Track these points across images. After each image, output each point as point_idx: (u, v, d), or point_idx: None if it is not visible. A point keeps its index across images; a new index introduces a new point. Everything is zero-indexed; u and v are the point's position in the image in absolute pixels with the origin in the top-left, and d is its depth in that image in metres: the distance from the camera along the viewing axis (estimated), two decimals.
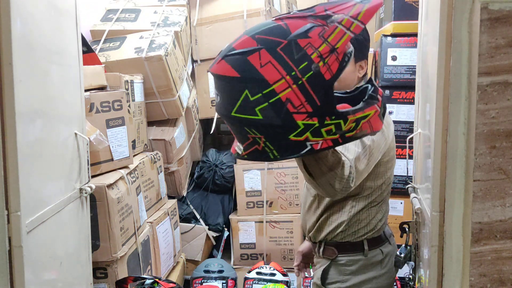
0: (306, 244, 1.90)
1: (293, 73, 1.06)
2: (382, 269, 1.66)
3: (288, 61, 1.06)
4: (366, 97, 1.19)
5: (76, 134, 1.75)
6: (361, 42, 1.63)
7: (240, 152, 1.19)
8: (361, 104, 1.16)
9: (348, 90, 1.57)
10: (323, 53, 1.07)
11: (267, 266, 3.03)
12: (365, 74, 1.69)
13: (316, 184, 1.26)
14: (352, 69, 1.63)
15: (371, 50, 3.01)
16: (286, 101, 1.08)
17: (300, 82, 1.07)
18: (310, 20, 1.09)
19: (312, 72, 1.07)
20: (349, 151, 1.37)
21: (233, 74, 1.09)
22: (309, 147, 1.14)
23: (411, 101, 2.75)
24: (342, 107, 1.15)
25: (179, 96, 2.98)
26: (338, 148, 1.28)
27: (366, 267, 1.65)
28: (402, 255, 1.60)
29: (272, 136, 1.12)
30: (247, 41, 1.09)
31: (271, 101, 1.08)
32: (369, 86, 1.22)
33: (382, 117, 1.21)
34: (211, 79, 3.33)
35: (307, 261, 1.93)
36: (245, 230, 3.26)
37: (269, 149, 1.14)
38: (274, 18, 1.12)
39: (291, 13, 1.13)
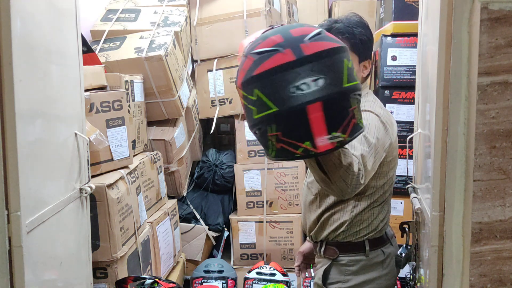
0: (307, 245, 1.90)
1: None
2: (383, 270, 1.66)
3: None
4: None
5: (76, 134, 1.75)
6: (365, 43, 1.63)
7: (341, 139, 1.11)
8: None
9: None
10: None
11: (267, 266, 3.03)
12: (369, 74, 1.69)
13: (329, 181, 1.25)
14: (356, 69, 1.63)
15: None
16: None
17: None
18: None
19: None
20: (355, 149, 1.36)
21: (337, 45, 1.11)
22: None
23: (411, 101, 2.75)
24: None
25: (179, 96, 2.98)
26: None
27: (367, 267, 1.65)
28: (403, 255, 1.60)
29: (358, 105, 1.16)
30: (307, 28, 1.14)
31: (351, 66, 1.14)
32: None
33: None
34: (211, 79, 3.33)
35: (308, 261, 1.93)
36: (245, 230, 3.26)
37: (358, 119, 1.15)
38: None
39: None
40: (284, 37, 1.09)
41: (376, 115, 1.53)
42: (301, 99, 1.05)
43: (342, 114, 1.10)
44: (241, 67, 1.12)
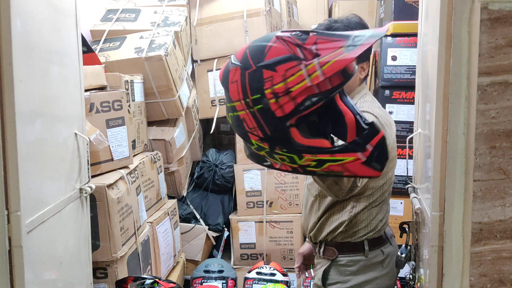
0: (307, 246, 1.90)
1: (247, 99, 1.11)
2: (383, 270, 1.66)
3: (247, 87, 1.11)
4: (347, 143, 1.13)
5: (76, 134, 1.75)
6: None
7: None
8: (330, 149, 1.12)
9: (347, 92, 1.56)
10: (278, 91, 1.08)
11: (267, 266, 3.03)
12: (367, 75, 1.69)
13: (321, 184, 1.27)
14: None
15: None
16: (243, 119, 1.15)
17: (251, 109, 1.12)
18: (298, 50, 1.08)
19: (261, 105, 1.10)
20: None
21: (220, 77, 1.19)
22: (269, 163, 1.20)
23: (411, 101, 2.75)
24: (320, 143, 1.12)
25: (179, 96, 2.98)
26: None
27: (366, 267, 1.64)
28: (403, 255, 1.60)
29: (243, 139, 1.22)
30: (240, 52, 1.15)
31: (234, 114, 1.16)
32: (367, 131, 1.14)
33: (373, 165, 1.13)
34: (211, 79, 3.33)
35: (307, 262, 1.92)
36: (245, 230, 3.26)
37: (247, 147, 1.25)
38: (279, 32, 1.13)
39: (294, 32, 1.11)
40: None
41: (374, 117, 1.53)
42: None
43: None
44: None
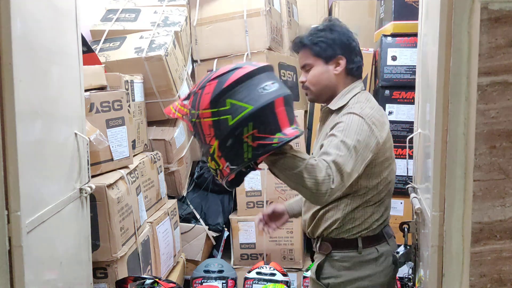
0: (282, 207, 1.90)
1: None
2: (377, 267, 1.67)
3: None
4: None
5: (76, 134, 1.75)
6: (326, 43, 1.65)
7: (300, 132, 1.41)
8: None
9: (330, 91, 1.67)
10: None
11: (267, 266, 3.03)
12: (353, 69, 1.67)
13: (290, 187, 1.40)
14: (323, 69, 1.64)
15: (371, 50, 3.01)
16: None
17: None
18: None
19: None
20: (328, 155, 1.42)
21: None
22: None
23: (411, 101, 2.75)
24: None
25: (179, 96, 2.98)
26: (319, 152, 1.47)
27: (360, 264, 1.66)
28: (399, 254, 1.60)
29: None
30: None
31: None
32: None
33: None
34: None
35: (275, 220, 1.90)
36: (245, 230, 3.26)
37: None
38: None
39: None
40: (234, 66, 1.32)
41: (360, 117, 1.52)
42: (269, 96, 1.28)
43: (292, 112, 1.34)
44: (203, 94, 1.30)
